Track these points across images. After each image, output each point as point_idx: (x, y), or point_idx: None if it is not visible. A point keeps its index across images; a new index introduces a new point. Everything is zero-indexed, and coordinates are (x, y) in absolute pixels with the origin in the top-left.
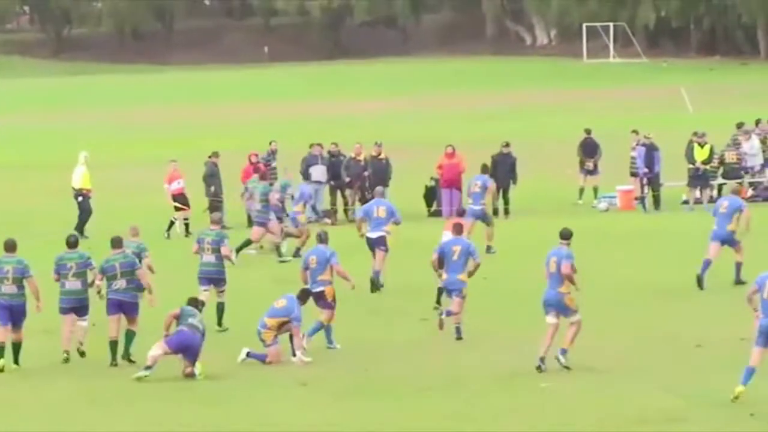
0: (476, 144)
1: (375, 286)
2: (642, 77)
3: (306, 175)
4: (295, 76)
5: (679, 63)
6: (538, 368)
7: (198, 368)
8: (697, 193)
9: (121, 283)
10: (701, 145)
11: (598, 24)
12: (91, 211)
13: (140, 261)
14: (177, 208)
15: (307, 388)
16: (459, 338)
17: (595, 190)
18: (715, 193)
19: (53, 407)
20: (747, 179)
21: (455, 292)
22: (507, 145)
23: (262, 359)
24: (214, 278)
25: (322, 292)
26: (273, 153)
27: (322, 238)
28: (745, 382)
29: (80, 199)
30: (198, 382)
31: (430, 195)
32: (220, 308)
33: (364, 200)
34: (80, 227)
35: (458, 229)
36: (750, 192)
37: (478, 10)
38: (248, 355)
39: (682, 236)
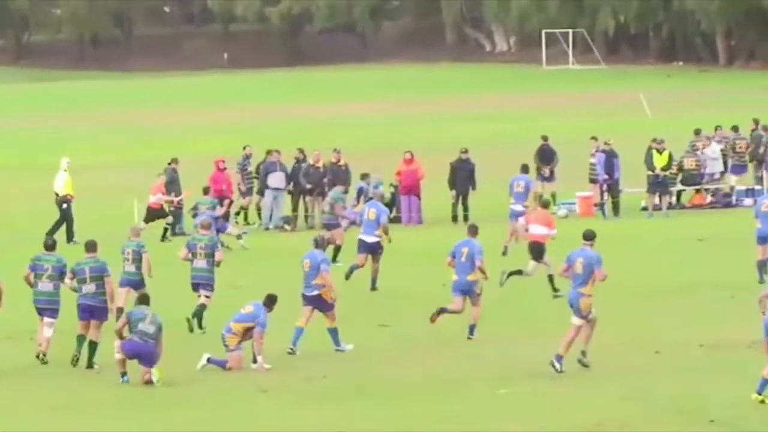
0: (435, 150)
1: (374, 286)
2: (601, 83)
3: (264, 182)
4: (257, 83)
5: (638, 69)
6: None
7: (156, 375)
8: (657, 200)
9: (90, 288)
10: (660, 152)
11: (557, 30)
12: (72, 218)
13: (141, 258)
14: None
15: (267, 395)
16: (470, 337)
17: (553, 196)
18: (674, 199)
19: (16, 413)
20: (705, 185)
21: (468, 293)
22: (465, 151)
23: (222, 365)
24: (203, 283)
25: (318, 295)
26: (248, 157)
27: (318, 243)
28: None
29: (65, 206)
30: (157, 388)
31: (390, 201)
32: (200, 309)
33: None
34: (69, 235)
35: (473, 231)
36: (709, 198)
37: (438, 17)
38: (209, 360)
39: (643, 242)
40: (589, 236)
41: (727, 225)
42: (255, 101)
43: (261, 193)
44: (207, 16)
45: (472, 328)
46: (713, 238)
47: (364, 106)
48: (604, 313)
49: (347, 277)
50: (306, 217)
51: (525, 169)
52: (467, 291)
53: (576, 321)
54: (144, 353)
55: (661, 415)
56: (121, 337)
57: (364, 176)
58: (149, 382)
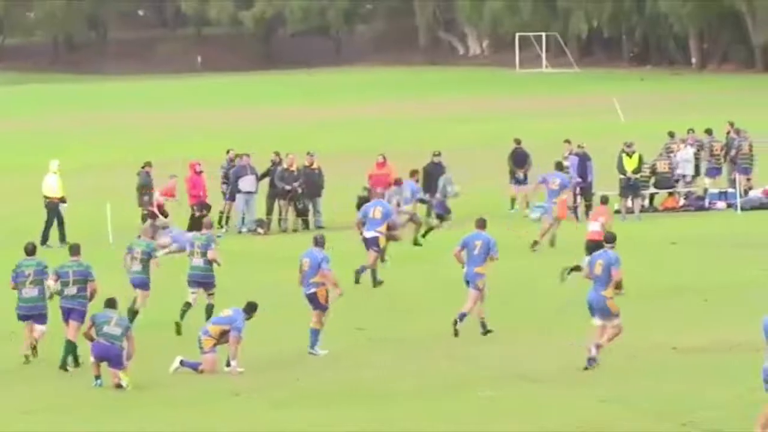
0: (408, 153)
1: (357, 279)
2: (574, 87)
3: (235, 187)
4: (231, 86)
5: (611, 73)
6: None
7: (124, 380)
8: (629, 203)
9: (71, 290)
10: (629, 155)
11: (530, 34)
12: (52, 222)
13: (150, 259)
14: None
15: (240, 398)
16: (484, 332)
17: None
18: (647, 202)
19: None
20: (679, 188)
21: (471, 285)
22: (438, 154)
23: (194, 367)
24: (203, 282)
25: (314, 293)
26: (232, 161)
27: (318, 242)
28: None
29: (63, 205)
30: (128, 391)
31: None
32: (209, 309)
33: (297, 210)
34: (44, 237)
35: (482, 224)
36: (682, 201)
37: (411, 20)
38: (182, 363)
39: (616, 245)
40: (610, 239)
41: (700, 228)
42: (230, 104)
43: (232, 197)
44: (181, 19)
45: (462, 316)
46: (686, 241)
47: (338, 109)
48: (579, 317)
49: (375, 283)
50: (279, 220)
51: (559, 166)
52: (471, 282)
53: (615, 321)
54: (112, 355)
55: (641, 417)
56: (90, 339)
57: (414, 173)
58: (119, 386)
